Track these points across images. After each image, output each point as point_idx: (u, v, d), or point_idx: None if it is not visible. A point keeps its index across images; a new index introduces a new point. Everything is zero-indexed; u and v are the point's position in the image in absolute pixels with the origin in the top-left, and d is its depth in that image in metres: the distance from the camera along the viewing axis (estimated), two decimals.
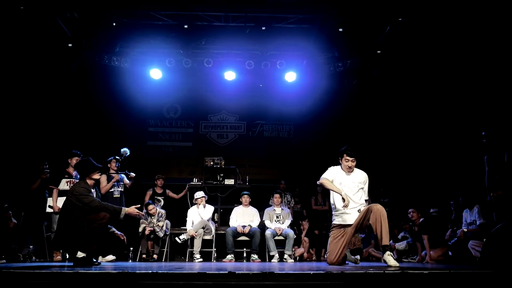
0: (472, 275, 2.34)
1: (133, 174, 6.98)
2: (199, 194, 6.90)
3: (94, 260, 4.17)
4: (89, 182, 4.36)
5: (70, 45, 7.51)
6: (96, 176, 4.43)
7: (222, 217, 7.84)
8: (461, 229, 5.11)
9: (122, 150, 6.94)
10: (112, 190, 6.69)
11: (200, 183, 7.69)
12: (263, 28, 7.56)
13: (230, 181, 7.80)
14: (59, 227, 4.31)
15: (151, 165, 9.14)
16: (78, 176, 6.00)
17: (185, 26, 7.50)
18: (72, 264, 4.13)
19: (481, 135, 4.90)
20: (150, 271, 2.24)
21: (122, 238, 4.95)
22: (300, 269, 2.66)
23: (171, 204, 7.70)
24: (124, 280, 2.24)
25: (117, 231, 4.93)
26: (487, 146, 4.82)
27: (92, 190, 4.44)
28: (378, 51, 7.83)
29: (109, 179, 6.65)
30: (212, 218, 7.30)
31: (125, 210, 4.16)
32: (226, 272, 2.25)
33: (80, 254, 4.00)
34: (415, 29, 6.94)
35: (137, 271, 2.26)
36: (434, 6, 6.22)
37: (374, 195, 8.11)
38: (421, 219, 6.09)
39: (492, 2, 5.57)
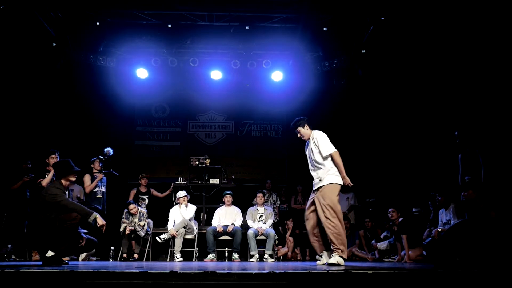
0: (418, 274, 2.32)
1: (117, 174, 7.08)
2: (181, 193, 6.91)
3: (63, 259, 4.17)
4: (64, 183, 4.37)
5: (54, 44, 7.51)
6: (72, 178, 4.43)
7: (207, 216, 7.82)
8: (435, 229, 5.08)
9: (105, 149, 7.02)
10: (96, 190, 6.77)
11: (185, 182, 7.68)
12: (247, 27, 7.56)
13: (215, 181, 7.77)
14: (31, 226, 4.33)
15: (138, 164, 9.14)
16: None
17: (169, 26, 7.51)
18: (41, 263, 4.13)
19: (455, 134, 4.88)
20: (92, 270, 2.24)
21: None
22: (263, 269, 2.63)
23: (155, 204, 7.71)
24: (65, 279, 2.23)
25: (84, 236, 4.94)
26: (460, 145, 4.79)
27: (66, 192, 4.45)
28: (363, 51, 7.80)
29: (92, 179, 6.75)
30: (197, 218, 7.31)
31: (96, 215, 4.11)
32: (167, 271, 2.24)
33: (49, 253, 4.01)
34: (398, 28, 6.92)
35: (78, 270, 2.26)
36: (414, 5, 6.21)
37: (360, 195, 8.13)
38: (400, 219, 6.07)
39: (471, 2, 5.55)
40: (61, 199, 4.09)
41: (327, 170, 4.18)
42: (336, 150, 4.20)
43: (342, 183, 4.16)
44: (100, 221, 4.12)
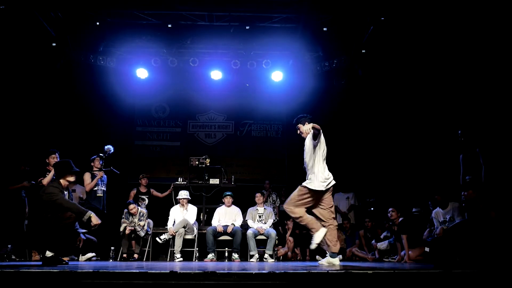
0: (418, 274, 2.32)
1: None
2: (184, 194, 6.92)
3: (63, 259, 4.17)
4: (63, 183, 4.37)
5: (54, 44, 7.51)
6: (71, 178, 4.44)
7: (207, 216, 7.82)
8: (439, 227, 5.07)
9: (105, 147, 6.96)
10: (96, 189, 6.72)
11: (185, 182, 7.68)
12: (247, 27, 7.56)
13: (215, 181, 7.78)
14: (30, 225, 4.33)
15: (138, 164, 9.13)
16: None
17: (169, 26, 7.52)
18: (41, 263, 4.13)
19: (458, 133, 4.88)
20: (91, 270, 2.24)
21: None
22: (263, 269, 2.62)
23: (155, 204, 7.70)
24: (65, 279, 2.23)
25: (82, 236, 4.95)
26: (463, 145, 4.80)
27: (65, 192, 4.46)
28: (363, 51, 7.80)
29: (93, 177, 6.70)
30: (197, 218, 7.30)
31: (91, 214, 4.11)
32: (167, 271, 2.24)
33: (48, 253, 4.01)
34: (398, 28, 6.92)
35: (78, 270, 2.26)
36: (414, 5, 6.21)
37: (360, 195, 8.13)
38: (400, 219, 6.06)
39: (471, 2, 5.55)
40: (57, 198, 4.10)
41: (309, 174, 4.25)
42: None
43: (316, 189, 4.15)
44: (95, 220, 4.10)
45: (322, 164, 4.23)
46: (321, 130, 4.17)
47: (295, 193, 4.24)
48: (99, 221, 4.15)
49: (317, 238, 4.11)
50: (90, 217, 4.09)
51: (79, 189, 6.57)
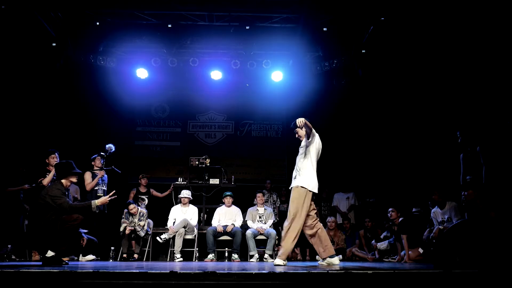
0: (418, 274, 2.32)
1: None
2: (186, 193, 6.92)
3: (63, 259, 4.17)
4: (65, 183, 4.39)
5: (54, 44, 7.51)
6: (73, 179, 4.46)
7: (207, 216, 7.82)
8: (436, 227, 5.08)
9: (107, 146, 6.92)
10: (96, 188, 6.66)
11: (185, 182, 7.68)
12: (247, 27, 7.56)
13: (215, 181, 7.78)
14: (31, 226, 4.34)
15: (138, 164, 9.12)
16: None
17: (169, 26, 7.51)
18: (41, 263, 4.13)
19: (457, 134, 4.90)
20: (91, 270, 2.24)
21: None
22: (263, 269, 2.62)
23: (155, 204, 7.70)
24: (65, 279, 2.23)
25: (85, 236, 4.99)
26: (462, 145, 4.81)
27: (66, 192, 4.47)
28: (363, 51, 7.80)
29: (93, 176, 6.65)
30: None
31: (95, 202, 4.22)
32: (167, 271, 2.24)
33: (49, 254, 4.02)
34: (398, 28, 6.92)
35: (78, 270, 2.26)
36: (414, 6, 6.21)
37: (360, 195, 8.13)
38: (400, 219, 6.07)
39: (471, 2, 5.55)
40: (61, 201, 4.13)
41: (300, 173, 4.17)
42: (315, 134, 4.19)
43: (313, 190, 4.10)
44: (101, 201, 4.38)
45: (312, 167, 4.15)
46: (314, 130, 4.13)
47: (295, 197, 4.09)
48: (107, 197, 4.43)
49: (276, 262, 4.06)
50: (96, 205, 4.30)
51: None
